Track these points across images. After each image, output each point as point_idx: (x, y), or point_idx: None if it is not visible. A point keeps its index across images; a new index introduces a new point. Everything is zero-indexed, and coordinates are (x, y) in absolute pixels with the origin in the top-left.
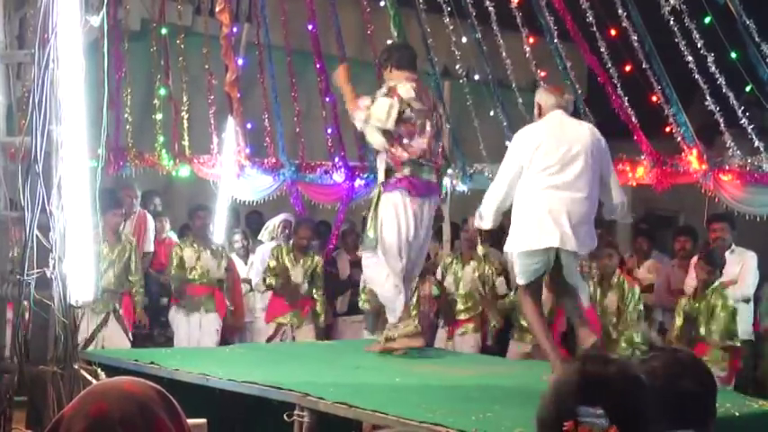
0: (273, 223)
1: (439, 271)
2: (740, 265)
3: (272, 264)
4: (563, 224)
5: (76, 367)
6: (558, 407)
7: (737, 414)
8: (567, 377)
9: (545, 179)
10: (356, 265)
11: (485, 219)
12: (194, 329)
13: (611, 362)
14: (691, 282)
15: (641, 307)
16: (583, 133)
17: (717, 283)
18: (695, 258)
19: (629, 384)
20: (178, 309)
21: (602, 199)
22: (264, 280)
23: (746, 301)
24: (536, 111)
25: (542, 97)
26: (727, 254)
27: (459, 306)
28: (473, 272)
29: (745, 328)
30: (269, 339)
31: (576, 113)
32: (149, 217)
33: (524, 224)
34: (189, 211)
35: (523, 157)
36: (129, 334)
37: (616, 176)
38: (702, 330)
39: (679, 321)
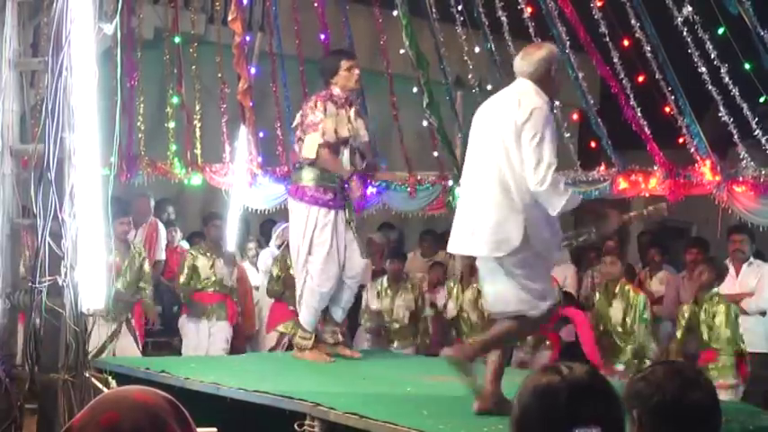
0: (279, 230)
1: (443, 294)
2: (757, 277)
3: (275, 272)
4: (462, 227)
5: (87, 375)
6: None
7: (752, 428)
8: (546, 397)
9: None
10: (379, 275)
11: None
12: (204, 337)
13: (577, 370)
14: None
15: (647, 316)
16: (494, 108)
17: (715, 290)
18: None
19: (604, 388)
20: (189, 316)
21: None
22: (267, 286)
23: (762, 313)
24: None
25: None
26: (744, 266)
27: (464, 329)
28: (472, 296)
29: (759, 341)
30: (272, 350)
31: (588, 124)
32: (161, 225)
33: None
34: (203, 219)
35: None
36: (140, 344)
37: (528, 153)
38: (706, 336)
39: (680, 331)
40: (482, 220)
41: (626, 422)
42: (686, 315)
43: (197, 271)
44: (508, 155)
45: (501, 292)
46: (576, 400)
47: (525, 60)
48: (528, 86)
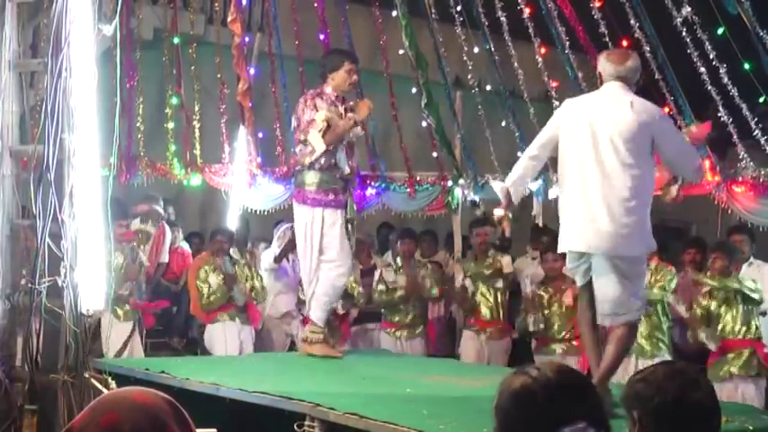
0: (281, 230)
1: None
2: (758, 278)
3: None
4: (580, 223)
5: (87, 376)
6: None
7: (752, 428)
8: (524, 400)
9: (572, 166)
10: (367, 274)
11: (507, 178)
12: (233, 342)
13: (546, 369)
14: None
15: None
16: (618, 112)
17: (734, 277)
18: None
19: (576, 381)
20: (214, 323)
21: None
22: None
23: (763, 314)
24: (598, 81)
25: (600, 65)
26: (744, 266)
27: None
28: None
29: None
30: None
31: None
32: (167, 229)
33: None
34: (211, 234)
35: (558, 123)
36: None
37: (681, 145)
38: (721, 326)
39: (699, 311)
40: (618, 219)
41: (604, 406)
42: (703, 305)
43: (209, 286)
44: (627, 155)
45: (616, 295)
46: (553, 399)
47: (621, 66)
48: (626, 89)
